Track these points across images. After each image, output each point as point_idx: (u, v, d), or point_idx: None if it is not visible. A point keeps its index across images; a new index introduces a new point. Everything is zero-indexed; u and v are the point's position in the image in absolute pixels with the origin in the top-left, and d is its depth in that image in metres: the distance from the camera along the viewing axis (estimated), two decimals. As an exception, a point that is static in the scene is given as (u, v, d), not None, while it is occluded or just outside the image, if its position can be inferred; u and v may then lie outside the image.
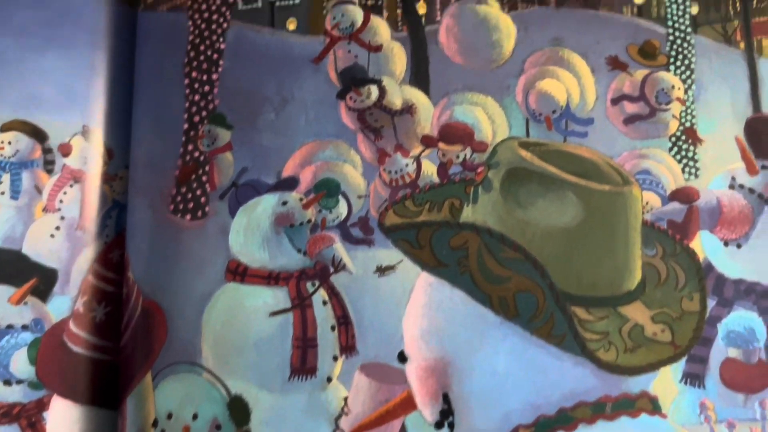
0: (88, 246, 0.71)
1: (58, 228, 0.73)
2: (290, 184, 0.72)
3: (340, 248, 0.70)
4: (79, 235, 0.72)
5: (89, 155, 0.72)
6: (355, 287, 0.70)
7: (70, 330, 0.68)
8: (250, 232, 0.71)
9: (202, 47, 0.75)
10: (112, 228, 0.72)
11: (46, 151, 0.75)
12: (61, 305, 0.70)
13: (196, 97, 0.75)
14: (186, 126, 0.74)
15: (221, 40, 0.75)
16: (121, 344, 0.69)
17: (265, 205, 0.71)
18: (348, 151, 0.74)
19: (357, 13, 0.76)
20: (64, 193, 0.73)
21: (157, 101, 0.74)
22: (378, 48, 0.75)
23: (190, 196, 0.73)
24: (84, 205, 0.72)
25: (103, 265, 0.70)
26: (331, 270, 0.70)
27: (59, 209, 0.73)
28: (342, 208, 0.72)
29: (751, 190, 0.72)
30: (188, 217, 0.73)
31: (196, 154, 0.74)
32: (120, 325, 0.69)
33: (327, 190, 0.72)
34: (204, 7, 0.76)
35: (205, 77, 0.75)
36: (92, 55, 0.73)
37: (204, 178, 0.73)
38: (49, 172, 0.74)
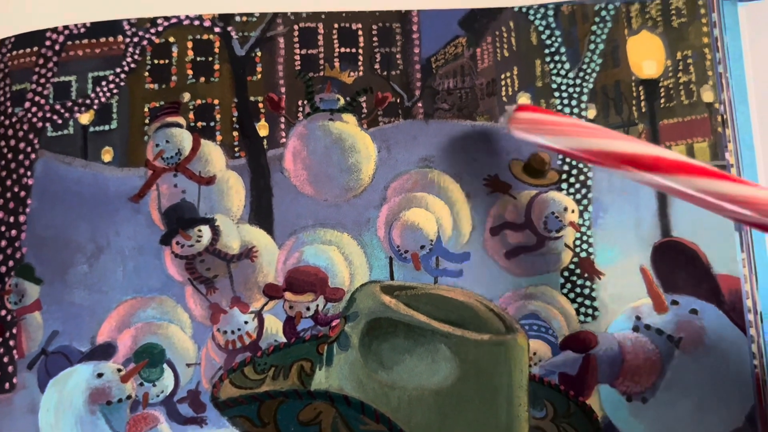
0: None
1: None
2: (106, 351, 0.60)
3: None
4: None
5: None
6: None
7: None
8: (61, 411, 0.59)
9: (8, 182, 0.63)
10: None
11: None
12: None
13: (3, 243, 0.63)
14: (-8, 278, 0.63)
15: (29, 174, 0.64)
16: None
17: (78, 378, 0.60)
18: (174, 309, 0.61)
19: (185, 138, 0.64)
20: None
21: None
22: (210, 180, 0.63)
23: (-4, 363, 0.62)
24: None
25: None
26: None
27: None
28: (167, 380, 0.60)
29: (659, 332, 0.61)
30: (-5, 388, 0.61)
31: (3, 312, 0.62)
32: None
33: (149, 358, 0.60)
34: (11, 132, 0.64)
35: (12, 219, 0.63)
36: None
37: (12, 343, 0.62)
38: None
